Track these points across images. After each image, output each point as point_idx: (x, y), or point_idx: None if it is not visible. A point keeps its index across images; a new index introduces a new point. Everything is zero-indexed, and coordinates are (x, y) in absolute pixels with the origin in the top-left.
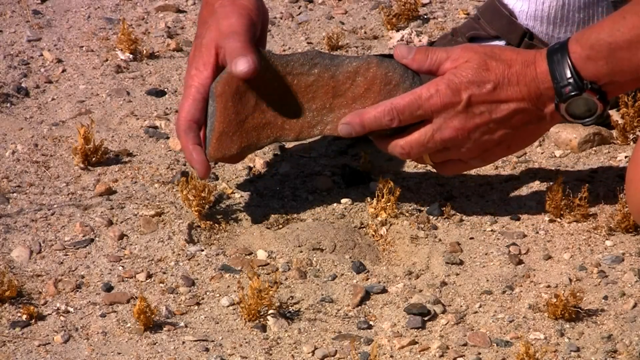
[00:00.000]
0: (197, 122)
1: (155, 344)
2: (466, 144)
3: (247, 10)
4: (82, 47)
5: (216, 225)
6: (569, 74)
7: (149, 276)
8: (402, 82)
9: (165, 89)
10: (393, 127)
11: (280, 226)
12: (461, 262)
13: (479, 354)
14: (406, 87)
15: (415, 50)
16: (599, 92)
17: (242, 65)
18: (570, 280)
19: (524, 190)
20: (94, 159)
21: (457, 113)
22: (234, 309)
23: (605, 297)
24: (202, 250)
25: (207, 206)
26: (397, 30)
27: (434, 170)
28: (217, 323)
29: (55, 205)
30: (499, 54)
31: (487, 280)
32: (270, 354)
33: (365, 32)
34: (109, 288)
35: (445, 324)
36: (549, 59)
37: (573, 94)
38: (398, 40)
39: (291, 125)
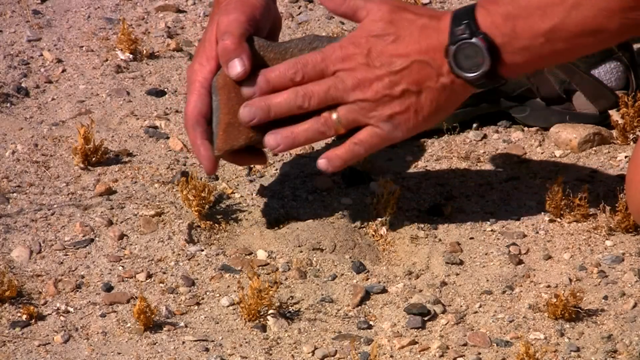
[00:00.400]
0: (205, 116)
1: (155, 344)
2: (368, 96)
3: (252, 8)
4: (82, 47)
5: (216, 225)
6: (466, 20)
7: (149, 276)
8: None
9: (165, 89)
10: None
11: (280, 226)
12: (461, 262)
13: (479, 354)
14: None
15: None
16: (491, 45)
17: (233, 68)
18: (570, 280)
19: (524, 190)
20: (94, 159)
21: (358, 64)
22: (234, 309)
23: (605, 297)
24: (202, 250)
25: (207, 206)
26: None
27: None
28: (217, 323)
29: (55, 205)
30: (410, 8)
31: (487, 280)
32: (270, 354)
33: None
34: (109, 288)
35: (445, 324)
36: (456, 11)
37: (463, 36)
38: None
39: None
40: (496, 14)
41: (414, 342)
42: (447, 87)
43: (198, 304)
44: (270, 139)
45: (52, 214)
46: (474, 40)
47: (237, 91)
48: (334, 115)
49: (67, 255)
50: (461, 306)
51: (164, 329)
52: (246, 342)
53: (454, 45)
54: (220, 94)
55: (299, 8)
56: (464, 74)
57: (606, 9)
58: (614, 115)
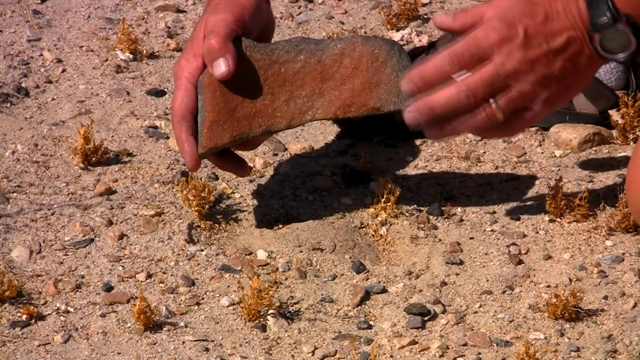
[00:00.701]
0: (192, 112)
1: (155, 344)
2: (529, 78)
3: (241, 9)
4: (82, 47)
5: (216, 225)
6: (605, 5)
7: (149, 276)
8: (389, 58)
9: (165, 89)
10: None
11: (280, 226)
12: (461, 262)
13: (479, 354)
14: (394, 63)
15: (454, 12)
16: (634, 26)
17: (218, 68)
18: (570, 280)
19: (524, 190)
20: (94, 159)
21: (517, 46)
22: (234, 309)
23: (605, 297)
24: (202, 250)
25: (207, 206)
26: (397, 30)
27: (475, 134)
28: (217, 323)
29: (55, 205)
30: None
31: (487, 280)
32: (270, 354)
33: (365, 32)
34: (109, 288)
35: (445, 324)
36: None
37: (606, 23)
38: (398, 40)
39: (282, 113)
40: None
41: (414, 342)
42: (590, 62)
43: (198, 304)
44: (430, 131)
45: (52, 214)
46: (618, 26)
47: (222, 90)
48: (494, 105)
49: (67, 255)
50: (461, 306)
51: (164, 329)
52: (246, 342)
53: (597, 32)
54: (206, 93)
55: (299, 8)
56: (612, 56)
57: None
58: (614, 115)
